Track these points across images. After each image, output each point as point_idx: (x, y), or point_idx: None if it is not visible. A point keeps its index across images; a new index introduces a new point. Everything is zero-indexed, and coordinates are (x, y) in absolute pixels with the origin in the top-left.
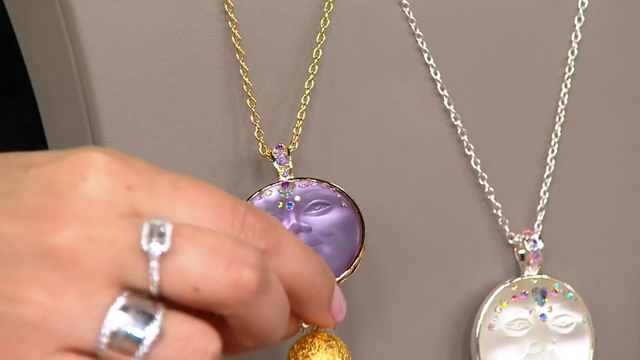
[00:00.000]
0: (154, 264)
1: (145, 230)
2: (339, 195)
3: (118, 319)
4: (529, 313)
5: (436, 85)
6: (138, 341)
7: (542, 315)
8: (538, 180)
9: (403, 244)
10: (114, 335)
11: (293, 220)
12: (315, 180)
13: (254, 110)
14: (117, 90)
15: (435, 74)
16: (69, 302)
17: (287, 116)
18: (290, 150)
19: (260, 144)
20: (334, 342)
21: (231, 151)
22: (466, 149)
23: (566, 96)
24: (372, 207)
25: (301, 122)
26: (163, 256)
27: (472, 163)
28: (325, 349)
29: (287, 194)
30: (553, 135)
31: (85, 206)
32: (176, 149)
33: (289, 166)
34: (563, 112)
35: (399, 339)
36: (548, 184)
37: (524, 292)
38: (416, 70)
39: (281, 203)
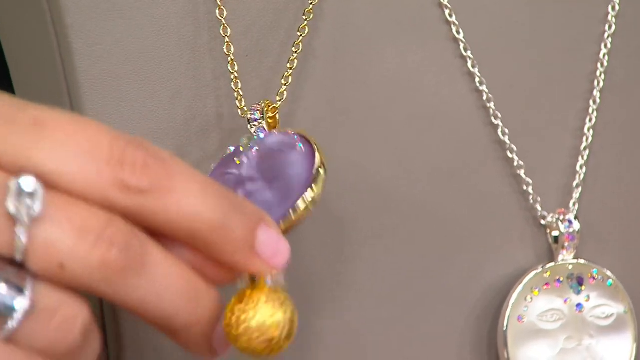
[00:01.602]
0: (20, 229)
1: (13, 188)
2: (296, 137)
3: None
4: (564, 303)
5: (459, 45)
6: (7, 315)
7: (579, 305)
8: (574, 153)
9: (421, 226)
10: None
11: (243, 170)
12: (279, 131)
13: (234, 73)
14: (98, 51)
15: (458, 32)
16: None
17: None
18: (265, 110)
19: (238, 108)
20: (276, 295)
21: (224, 118)
22: (492, 118)
23: (606, 58)
24: (385, 184)
25: (285, 86)
26: (31, 222)
27: (499, 133)
28: (265, 302)
29: (246, 145)
30: (591, 102)
31: None
32: (165, 116)
33: (261, 124)
34: (602, 76)
35: (415, 333)
36: (585, 157)
37: (558, 279)
38: (436, 28)
39: (238, 160)
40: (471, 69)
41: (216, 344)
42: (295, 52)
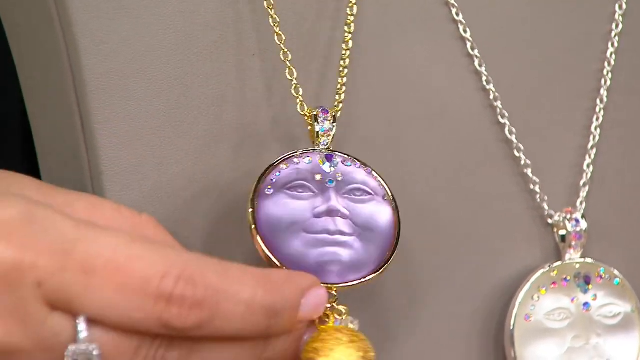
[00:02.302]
0: None
1: (70, 355)
2: (380, 187)
3: None
4: (571, 302)
5: (466, 44)
6: None
7: (586, 304)
8: (581, 152)
9: (427, 225)
10: None
11: (332, 200)
12: (359, 162)
13: (290, 66)
14: (105, 50)
15: (465, 31)
16: None
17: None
18: (336, 117)
19: (299, 101)
20: (356, 338)
21: (233, 118)
22: (499, 117)
23: (613, 56)
24: (391, 183)
25: (343, 85)
26: None
27: (507, 132)
28: (346, 344)
29: (330, 169)
30: (598, 101)
31: None
32: (172, 115)
33: (330, 135)
34: (609, 75)
35: (423, 332)
36: (592, 156)
37: (565, 278)
38: (442, 27)
39: (320, 176)
40: (478, 68)
41: None
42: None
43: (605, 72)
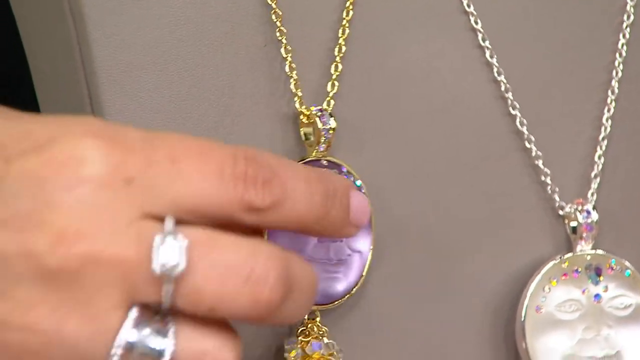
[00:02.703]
0: (168, 287)
1: (158, 248)
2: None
3: (129, 337)
4: (582, 293)
5: (477, 35)
6: (155, 359)
7: (597, 295)
8: (592, 144)
9: (437, 215)
10: (127, 355)
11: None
12: (351, 175)
13: (290, 61)
14: (116, 42)
15: (476, 22)
16: (73, 327)
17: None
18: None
19: (297, 98)
20: None
21: (246, 110)
22: (511, 108)
23: (624, 48)
24: (402, 174)
25: (335, 80)
26: (177, 277)
27: (518, 124)
28: None
29: None
30: (609, 92)
31: (82, 216)
32: (183, 107)
33: (329, 139)
34: (621, 66)
35: (434, 323)
36: (603, 148)
37: (576, 270)
38: (454, 18)
39: None
40: (489, 59)
41: None
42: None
43: (616, 63)
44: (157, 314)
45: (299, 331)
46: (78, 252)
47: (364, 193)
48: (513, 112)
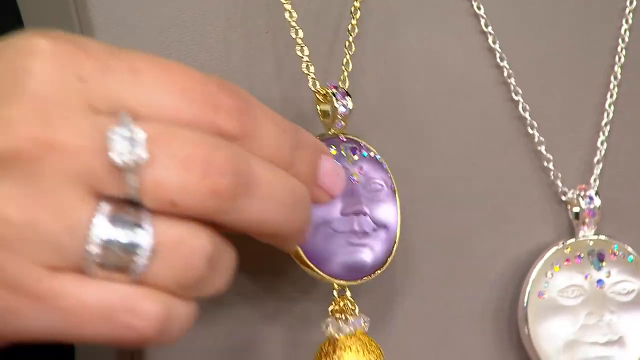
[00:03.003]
0: (130, 178)
1: (115, 138)
2: (389, 178)
3: (104, 232)
4: (584, 279)
5: (479, 21)
6: (132, 252)
7: (599, 281)
8: (595, 129)
9: (440, 201)
10: (105, 250)
11: (360, 202)
12: (372, 151)
13: (300, 43)
14: (119, 30)
15: (479, 8)
16: (46, 220)
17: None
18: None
19: (310, 78)
20: (368, 345)
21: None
22: (513, 94)
23: (627, 33)
24: (406, 161)
25: (349, 63)
26: (138, 168)
27: (520, 109)
28: (351, 351)
29: (353, 161)
30: (612, 78)
31: (34, 105)
32: None
33: (347, 116)
34: (623, 52)
35: (437, 308)
36: (606, 133)
37: (579, 255)
38: (456, 4)
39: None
40: (492, 44)
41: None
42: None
43: (619, 49)
44: (129, 209)
45: (331, 310)
46: (30, 135)
47: (386, 170)
48: (516, 97)
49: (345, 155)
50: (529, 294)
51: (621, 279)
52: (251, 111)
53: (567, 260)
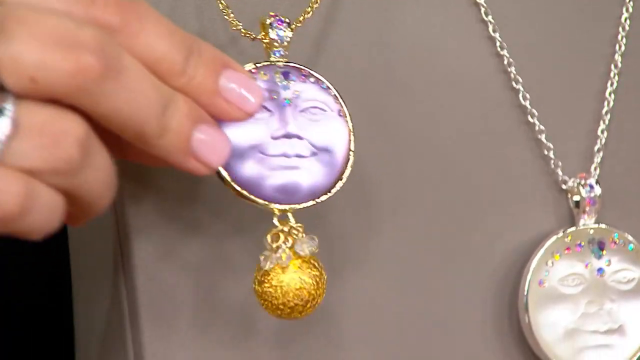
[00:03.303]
0: None
1: None
2: (336, 102)
3: None
4: (585, 267)
5: (480, 9)
6: None
7: (600, 269)
8: (595, 118)
9: (442, 190)
10: None
11: (290, 123)
12: (314, 76)
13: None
14: None
15: None
16: None
17: None
18: (293, 27)
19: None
20: (305, 263)
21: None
22: (513, 82)
23: (627, 22)
24: (407, 149)
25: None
26: None
27: (520, 98)
28: (294, 270)
29: (287, 86)
30: (612, 66)
31: None
32: None
33: (286, 43)
34: (624, 40)
35: (437, 297)
36: (606, 122)
37: (579, 244)
38: None
39: (277, 95)
40: (492, 33)
41: (200, 156)
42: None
43: (619, 37)
44: None
45: (269, 236)
46: None
47: (334, 95)
48: (516, 86)
49: (278, 79)
50: (529, 282)
51: (621, 268)
52: (134, 8)
53: (568, 248)
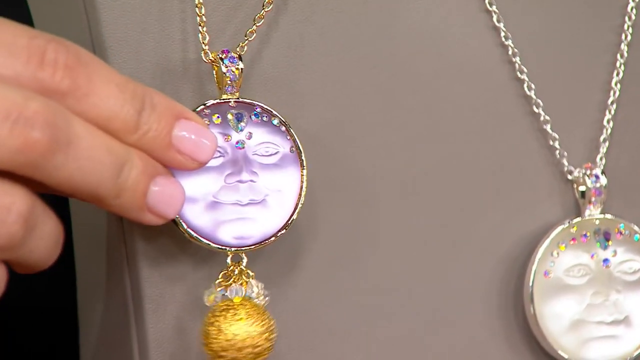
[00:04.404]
0: None
1: None
2: (288, 139)
3: None
4: (591, 258)
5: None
6: None
7: (606, 260)
8: (601, 108)
9: (445, 179)
10: None
11: (243, 170)
12: (265, 113)
13: (198, 12)
14: (121, 4)
15: None
16: None
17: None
18: (242, 56)
19: (202, 49)
20: (259, 315)
21: (164, 57)
22: (518, 73)
23: (634, 11)
24: (412, 138)
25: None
26: None
27: (525, 88)
28: (245, 318)
29: (240, 127)
30: (618, 56)
31: None
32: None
33: (236, 76)
34: (630, 30)
35: (442, 287)
36: (612, 112)
37: (585, 234)
38: None
39: (230, 138)
40: (496, 23)
41: (156, 209)
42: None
43: (625, 27)
44: None
45: (221, 275)
46: None
47: (285, 132)
48: (521, 76)
49: (230, 121)
50: (534, 273)
51: (627, 258)
52: (83, 68)
53: (573, 239)
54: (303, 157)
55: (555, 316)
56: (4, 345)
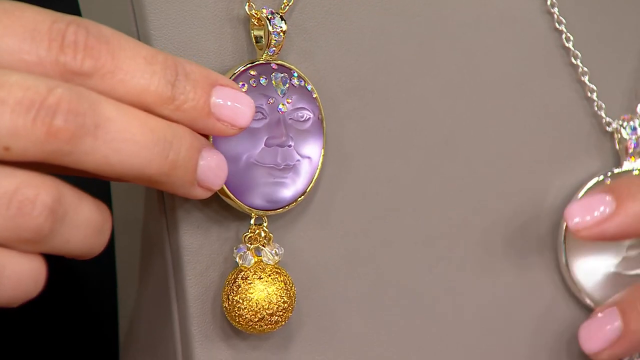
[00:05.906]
0: None
1: None
2: (316, 106)
3: None
4: None
5: None
6: None
7: None
8: (639, 58)
9: (482, 132)
10: None
11: (284, 134)
12: (302, 79)
13: None
14: None
15: None
16: None
17: None
18: (284, 18)
19: (247, 1)
20: (278, 275)
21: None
22: (557, 24)
23: None
24: (450, 91)
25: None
26: None
27: (564, 40)
28: (264, 280)
29: (282, 90)
30: None
31: None
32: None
33: (280, 42)
34: None
35: (483, 234)
36: None
37: None
38: None
39: (273, 100)
40: None
41: (205, 182)
42: None
43: None
44: None
45: (246, 237)
46: None
47: (315, 99)
48: (559, 27)
49: (275, 84)
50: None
51: None
52: (105, 46)
53: None
54: (324, 124)
55: (589, 269)
56: (45, 323)
